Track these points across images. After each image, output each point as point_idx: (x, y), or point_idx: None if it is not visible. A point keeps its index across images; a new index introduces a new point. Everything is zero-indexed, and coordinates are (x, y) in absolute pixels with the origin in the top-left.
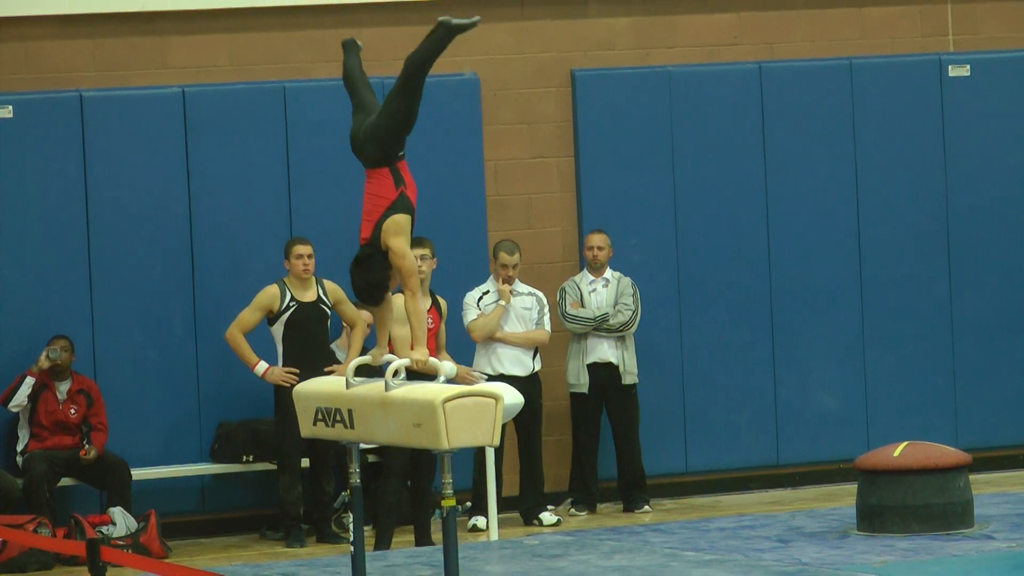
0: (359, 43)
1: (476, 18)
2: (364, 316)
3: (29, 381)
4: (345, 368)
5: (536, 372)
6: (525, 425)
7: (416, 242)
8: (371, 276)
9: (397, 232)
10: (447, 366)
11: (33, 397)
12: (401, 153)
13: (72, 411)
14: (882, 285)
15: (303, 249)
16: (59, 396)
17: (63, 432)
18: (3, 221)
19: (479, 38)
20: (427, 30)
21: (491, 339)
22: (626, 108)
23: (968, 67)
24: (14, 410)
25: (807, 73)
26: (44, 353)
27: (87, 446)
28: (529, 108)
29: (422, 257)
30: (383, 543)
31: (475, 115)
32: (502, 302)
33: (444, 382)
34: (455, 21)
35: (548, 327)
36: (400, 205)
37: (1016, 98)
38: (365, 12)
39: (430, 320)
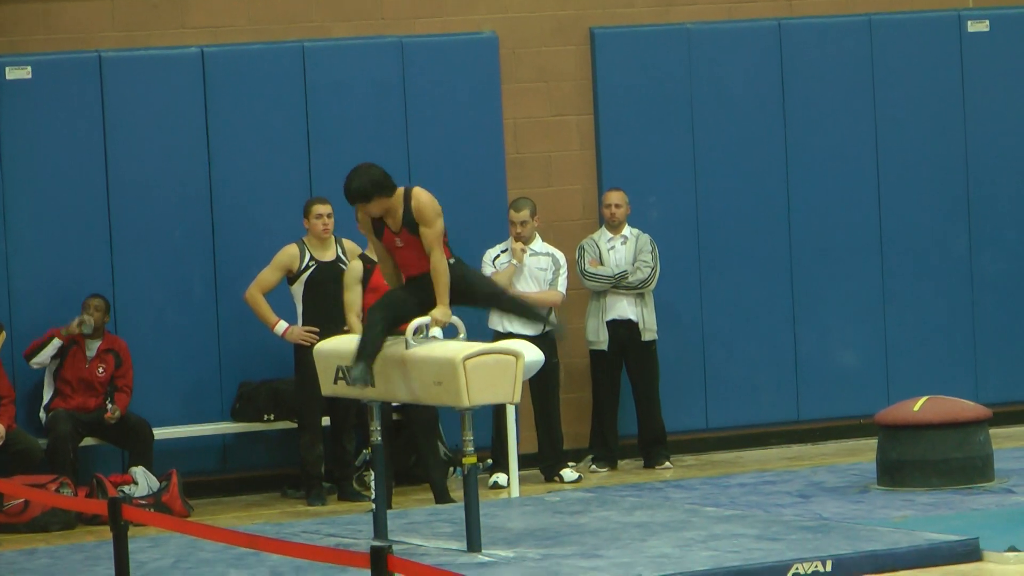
0: None
1: (565, 337)
2: None
3: (56, 343)
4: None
5: (549, 331)
6: (540, 384)
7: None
8: (372, 171)
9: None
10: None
11: (62, 352)
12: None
13: (100, 370)
14: (902, 242)
15: (322, 208)
16: (88, 353)
17: (87, 391)
18: (22, 183)
19: None
20: None
21: None
22: (645, 66)
23: (987, 23)
24: (35, 367)
25: (826, 30)
26: (77, 319)
27: (111, 407)
28: (548, 66)
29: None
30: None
31: (494, 74)
32: (514, 261)
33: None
34: (553, 322)
35: (563, 288)
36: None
37: None
38: None
39: None
